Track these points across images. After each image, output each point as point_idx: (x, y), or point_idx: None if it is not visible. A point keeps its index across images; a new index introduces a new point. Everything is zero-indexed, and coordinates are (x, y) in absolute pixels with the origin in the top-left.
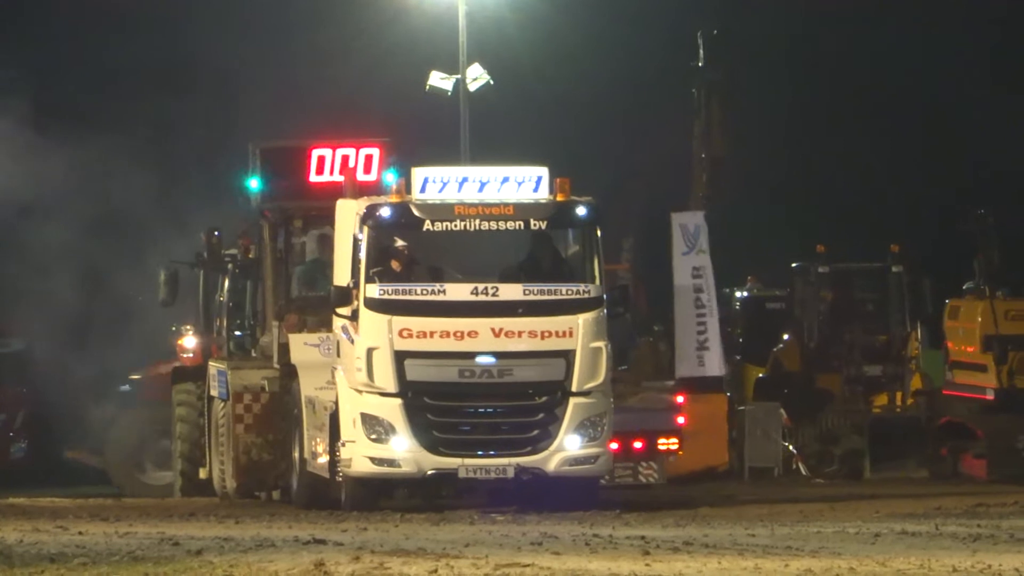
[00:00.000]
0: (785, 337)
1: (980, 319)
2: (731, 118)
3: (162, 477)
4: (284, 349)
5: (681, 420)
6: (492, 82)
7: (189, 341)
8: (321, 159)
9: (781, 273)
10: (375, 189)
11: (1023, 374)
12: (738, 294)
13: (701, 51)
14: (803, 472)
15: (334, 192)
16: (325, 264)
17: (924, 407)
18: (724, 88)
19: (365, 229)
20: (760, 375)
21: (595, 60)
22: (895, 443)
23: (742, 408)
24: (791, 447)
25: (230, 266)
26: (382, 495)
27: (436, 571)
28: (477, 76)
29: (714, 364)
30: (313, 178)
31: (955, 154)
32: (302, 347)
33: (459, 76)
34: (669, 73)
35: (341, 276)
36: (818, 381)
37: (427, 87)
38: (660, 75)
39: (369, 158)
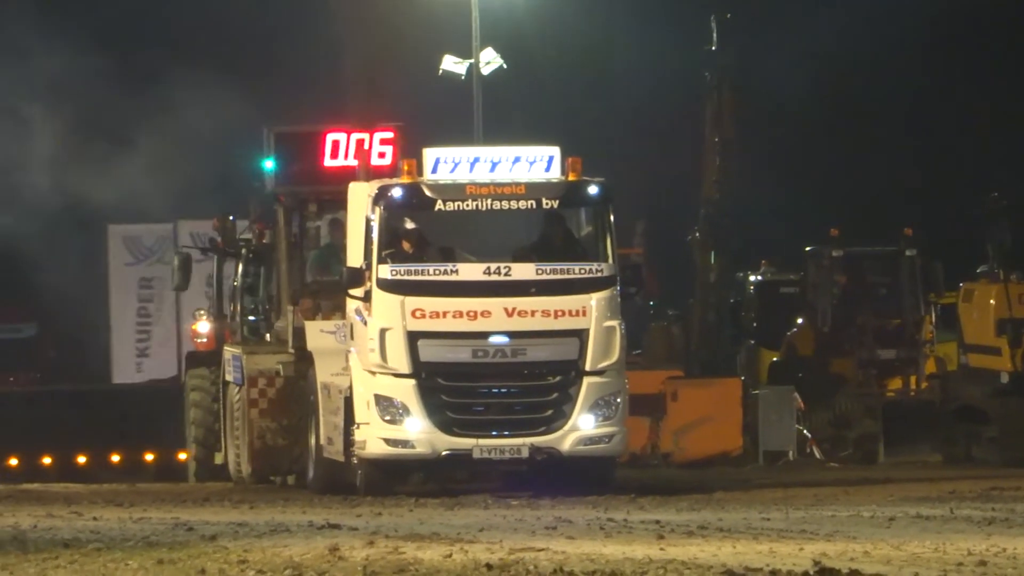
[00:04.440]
0: (799, 321)
1: (994, 302)
2: (743, 102)
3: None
4: (299, 334)
5: None
6: (505, 66)
7: (203, 326)
8: (336, 143)
9: (795, 257)
10: (390, 173)
11: None
12: (752, 278)
13: (714, 35)
14: (817, 456)
15: (348, 176)
16: (339, 249)
17: (938, 391)
18: (736, 72)
19: (377, 210)
20: (774, 359)
21: (608, 44)
22: (909, 427)
23: (756, 392)
24: (805, 431)
25: (244, 251)
26: (397, 478)
27: (451, 556)
28: (490, 60)
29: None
30: (328, 163)
31: (971, 136)
32: (318, 334)
33: (472, 60)
34: (683, 57)
35: (354, 258)
36: (832, 365)
37: (440, 71)
38: (674, 59)
39: (384, 142)
